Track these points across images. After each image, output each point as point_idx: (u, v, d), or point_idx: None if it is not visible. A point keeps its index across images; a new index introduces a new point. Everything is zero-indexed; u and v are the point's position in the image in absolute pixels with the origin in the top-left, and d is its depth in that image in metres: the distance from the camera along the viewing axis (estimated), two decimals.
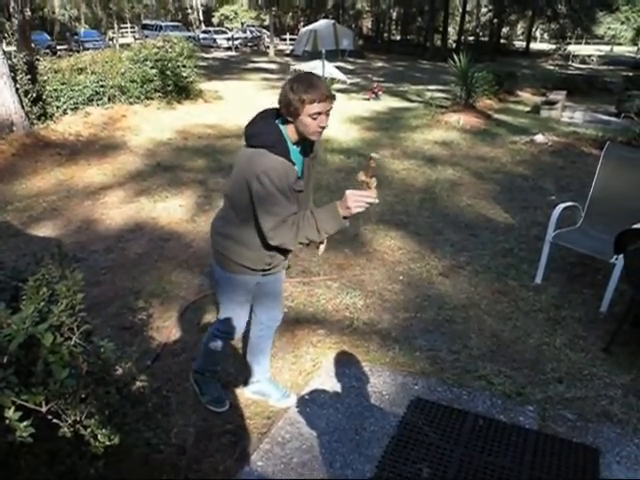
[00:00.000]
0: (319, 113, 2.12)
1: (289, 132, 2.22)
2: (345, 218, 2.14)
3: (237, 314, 2.63)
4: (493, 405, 2.93)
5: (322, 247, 2.60)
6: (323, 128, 2.17)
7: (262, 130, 2.22)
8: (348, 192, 2.11)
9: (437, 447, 2.60)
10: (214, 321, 2.88)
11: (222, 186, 2.54)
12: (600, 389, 3.07)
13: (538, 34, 53.41)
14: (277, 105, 2.19)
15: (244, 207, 2.28)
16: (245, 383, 3.01)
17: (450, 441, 2.64)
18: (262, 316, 2.78)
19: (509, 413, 2.86)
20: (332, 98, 2.16)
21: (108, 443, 1.78)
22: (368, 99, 14.12)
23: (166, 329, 3.64)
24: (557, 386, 3.10)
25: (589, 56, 30.72)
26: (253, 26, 44.88)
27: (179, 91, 11.74)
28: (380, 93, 14.52)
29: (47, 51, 11.16)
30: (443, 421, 2.78)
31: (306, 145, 2.33)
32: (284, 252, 2.48)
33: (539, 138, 9.24)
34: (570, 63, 28.93)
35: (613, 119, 11.99)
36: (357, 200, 2.09)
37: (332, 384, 3.07)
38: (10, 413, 1.51)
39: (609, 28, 42.65)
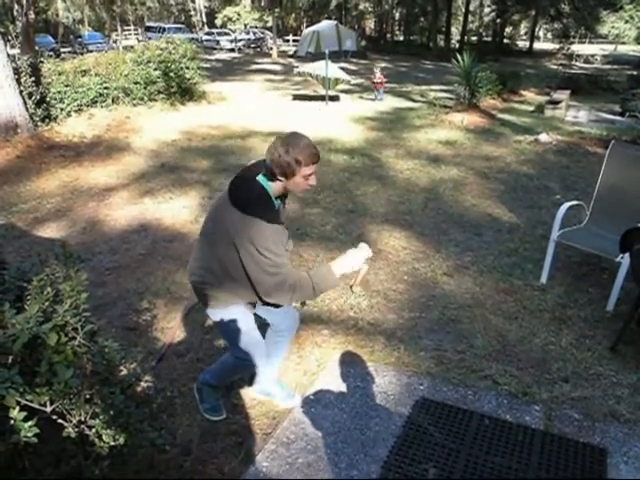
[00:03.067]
0: (312, 174, 2.19)
1: (274, 189, 2.23)
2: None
3: (251, 339, 2.53)
4: (499, 405, 2.91)
5: (356, 289, 2.65)
6: (310, 187, 2.24)
7: (253, 196, 2.19)
8: (343, 257, 2.26)
9: (443, 447, 2.59)
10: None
11: (201, 228, 2.50)
12: (607, 388, 3.05)
13: (541, 34, 53.31)
14: (267, 161, 2.16)
15: (231, 265, 2.23)
16: (250, 383, 3.00)
17: (456, 441, 2.63)
18: (281, 324, 2.73)
19: (515, 413, 2.85)
20: (319, 159, 2.21)
21: (113, 443, 1.78)
22: (374, 99, 14.08)
23: (170, 330, 3.64)
24: (563, 386, 3.08)
25: (593, 55, 30.58)
26: (256, 27, 44.93)
27: (182, 92, 11.78)
28: (381, 88, 14.27)
29: (51, 53, 11.21)
30: (449, 421, 2.76)
31: (284, 195, 2.36)
32: None
33: (543, 137, 9.21)
34: (574, 62, 28.82)
35: (617, 118, 11.93)
36: (349, 266, 2.25)
37: (337, 384, 3.06)
38: (15, 413, 1.51)
39: (613, 27, 42.43)
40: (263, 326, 2.71)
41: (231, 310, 2.43)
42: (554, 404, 2.92)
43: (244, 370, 2.78)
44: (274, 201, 2.24)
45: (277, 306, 2.42)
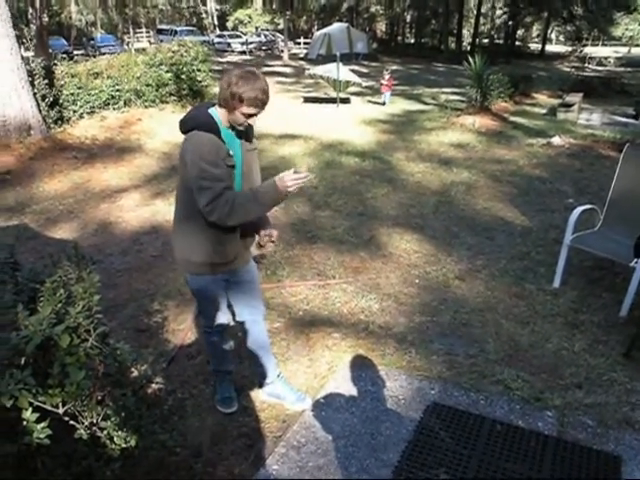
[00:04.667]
0: (252, 115, 2.24)
1: (220, 115, 2.30)
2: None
3: (212, 311, 2.66)
4: (511, 410, 2.88)
5: (270, 246, 2.62)
6: (250, 126, 2.31)
7: (191, 115, 2.34)
8: (283, 174, 2.23)
9: (454, 452, 2.57)
10: None
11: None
12: (621, 395, 3.01)
13: (554, 36, 52.97)
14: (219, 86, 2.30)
15: (186, 199, 2.34)
16: (260, 386, 3.00)
17: (467, 446, 2.60)
18: (243, 312, 2.76)
19: (527, 419, 2.82)
20: (266, 104, 2.26)
21: (124, 445, 1.78)
22: (383, 103, 13.95)
23: (181, 332, 3.64)
24: (576, 391, 3.04)
25: (606, 58, 30.32)
26: (267, 30, 45.06)
27: (194, 95, 11.80)
28: (387, 91, 14.05)
29: (64, 56, 11.26)
30: (460, 426, 2.74)
31: (240, 131, 2.38)
32: (234, 240, 2.48)
33: (556, 140, 9.15)
34: (587, 65, 28.60)
35: (631, 121, 11.82)
36: (293, 180, 2.21)
37: (348, 388, 3.05)
38: (27, 414, 1.51)
39: (627, 29, 42.14)
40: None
41: (202, 279, 2.54)
42: (567, 410, 2.88)
43: (218, 335, 2.78)
44: (219, 126, 2.29)
45: (235, 240, 2.48)
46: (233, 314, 2.80)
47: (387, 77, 13.99)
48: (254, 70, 2.24)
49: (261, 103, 2.21)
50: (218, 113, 2.30)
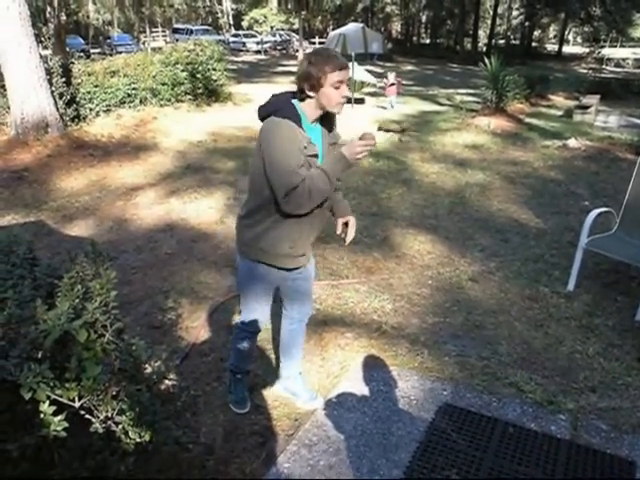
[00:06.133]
0: (341, 82, 2.14)
1: (306, 109, 2.22)
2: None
3: (256, 305, 2.61)
4: (524, 413, 2.87)
5: (350, 234, 2.59)
6: (345, 99, 2.19)
7: (270, 101, 2.27)
8: (350, 141, 2.14)
9: (466, 454, 2.56)
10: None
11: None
12: (635, 399, 2.99)
13: (571, 37, 52.52)
14: (295, 80, 2.21)
15: (259, 187, 2.28)
16: (275, 380, 3.01)
17: (479, 448, 2.60)
18: (292, 311, 2.78)
19: (540, 422, 2.80)
20: (348, 67, 2.19)
21: (139, 440, 1.80)
22: (392, 107, 13.34)
23: (195, 329, 3.67)
24: (590, 395, 3.02)
25: (624, 59, 30.00)
26: (282, 30, 45.11)
27: (209, 94, 11.88)
28: (392, 95, 13.33)
29: (81, 54, 11.38)
30: (472, 428, 2.73)
31: (324, 125, 2.33)
32: (306, 235, 2.46)
33: (572, 143, 9.07)
34: (604, 66, 28.32)
35: None
36: (362, 147, 2.12)
37: (360, 388, 3.05)
38: (45, 407, 1.53)
39: None
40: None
41: (254, 268, 2.48)
42: (580, 414, 2.86)
43: (249, 340, 2.77)
44: (303, 119, 2.20)
45: (305, 239, 2.45)
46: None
47: (392, 79, 13.32)
48: (320, 46, 2.26)
49: (344, 64, 2.13)
50: (303, 107, 2.22)
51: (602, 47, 35.33)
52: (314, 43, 38.84)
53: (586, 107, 12.14)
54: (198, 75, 11.41)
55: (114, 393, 1.81)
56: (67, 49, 15.80)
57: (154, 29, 40.15)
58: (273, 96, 2.31)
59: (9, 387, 1.56)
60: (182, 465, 2.43)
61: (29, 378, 1.49)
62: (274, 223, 2.34)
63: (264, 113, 2.23)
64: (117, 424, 1.80)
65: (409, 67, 28.32)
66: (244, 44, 36.83)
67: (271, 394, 3.01)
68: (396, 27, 50.08)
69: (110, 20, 38.46)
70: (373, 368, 3.24)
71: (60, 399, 1.61)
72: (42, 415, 1.54)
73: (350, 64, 12.92)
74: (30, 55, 7.77)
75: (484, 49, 34.33)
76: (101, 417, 1.77)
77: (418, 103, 14.44)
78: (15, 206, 6.11)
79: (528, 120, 11.53)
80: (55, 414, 1.56)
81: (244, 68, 24.01)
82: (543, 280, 4.38)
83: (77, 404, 1.68)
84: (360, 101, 14.09)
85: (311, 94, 2.16)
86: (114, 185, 6.92)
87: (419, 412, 2.86)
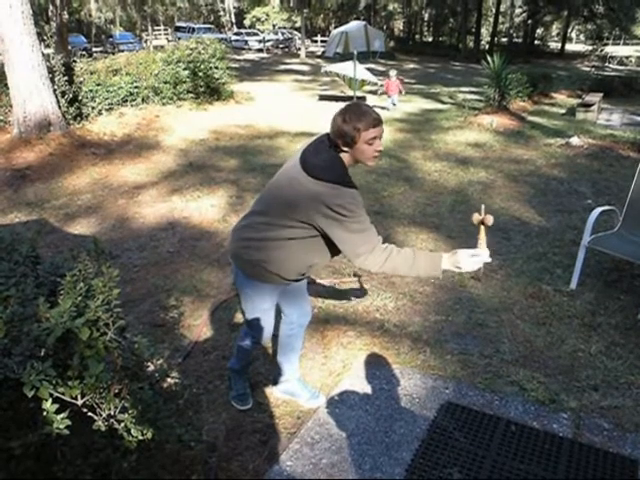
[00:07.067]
0: (374, 138, 2.16)
1: (344, 161, 2.23)
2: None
3: (262, 321, 2.59)
4: (526, 411, 2.87)
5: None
6: (379, 152, 2.22)
7: (330, 164, 2.19)
8: (461, 251, 2.18)
9: (468, 452, 2.56)
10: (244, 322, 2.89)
11: (256, 201, 2.49)
12: (638, 398, 2.98)
13: (574, 35, 52.37)
14: (330, 136, 2.21)
15: (294, 231, 2.24)
16: (275, 383, 3.01)
17: (481, 447, 2.60)
18: (292, 315, 2.77)
19: (542, 420, 2.80)
20: (382, 122, 2.20)
21: (141, 438, 1.80)
22: (388, 109, 12.78)
23: (197, 327, 3.67)
24: (592, 394, 3.02)
25: (627, 57, 29.94)
26: (284, 28, 45.14)
27: (211, 92, 11.88)
28: (394, 94, 12.95)
29: (83, 53, 11.42)
30: (474, 426, 2.73)
31: None
32: (316, 266, 2.47)
33: (575, 141, 9.05)
34: (607, 64, 28.27)
35: None
36: (472, 260, 2.16)
37: (362, 386, 3.05)
38: (47, 405, 1.54)
39: None
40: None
41: (260, 287, 2.46)
42: (583, 413, 2.86)
43: (244, 348, 2.78)
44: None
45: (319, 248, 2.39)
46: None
47: (394, 78, 12.98)
48: (353, 102, 2.24)
49: (377, 120, 2.16)
50: (343, 159, 2.23)
51: (605, 45, 35.25)
52: (316, 41, 38.92)
53: (589, 105, 12.11)
54: (200, 73, 11.41)
55: (117, 391, 1.81)
56: (69, 47, 15.82)
57: (156, 27, 40.21)
58: (324, 151, 2.22)
59: (12, 385, 1.56)
60: (184, 463, 2.44)
61: (32, 376, 1.49)
62: (293, 254, 2.33)
63: (326, 177, 2.14)
64: (119, 422, 1.80)
65: (411, 65, 28.29)
66: (246, 42, 36.85)
67: (273, 392, 3.01)
68: (398, 25, 50.00)
69: (112, 18, 38.48)
70: (375, 366, 3.24)
71: (63, 397, 1.62)
72: (45, 413, 1.55)
73: (352, 62, 12.92)
74: (32, 54, 7.78)
75: (487, 47, 34.25)
76: (104, 415, 1.77)
77: (420, 101, 14.42)
78: (18, 204, 6.13)
79: (531, 118, 11.51)
80: (58, 412, 1.56)
81: (246, 66, 24.01)
82: (546, 278, 4.37)
83: (80, 402, 1.68)
84: (362, 99, 14.07)
85: (345, 149, 2.19)
86: (116, 183, 6.93)
87: (421, 410, 2.86)
